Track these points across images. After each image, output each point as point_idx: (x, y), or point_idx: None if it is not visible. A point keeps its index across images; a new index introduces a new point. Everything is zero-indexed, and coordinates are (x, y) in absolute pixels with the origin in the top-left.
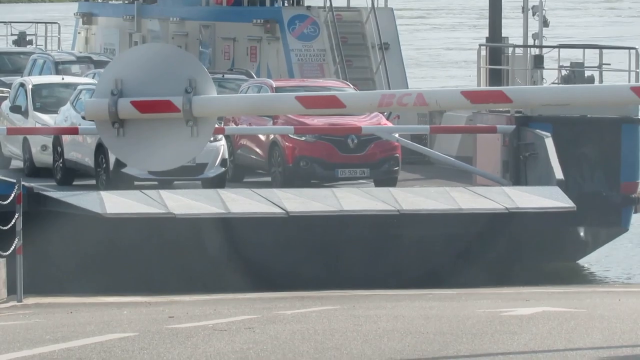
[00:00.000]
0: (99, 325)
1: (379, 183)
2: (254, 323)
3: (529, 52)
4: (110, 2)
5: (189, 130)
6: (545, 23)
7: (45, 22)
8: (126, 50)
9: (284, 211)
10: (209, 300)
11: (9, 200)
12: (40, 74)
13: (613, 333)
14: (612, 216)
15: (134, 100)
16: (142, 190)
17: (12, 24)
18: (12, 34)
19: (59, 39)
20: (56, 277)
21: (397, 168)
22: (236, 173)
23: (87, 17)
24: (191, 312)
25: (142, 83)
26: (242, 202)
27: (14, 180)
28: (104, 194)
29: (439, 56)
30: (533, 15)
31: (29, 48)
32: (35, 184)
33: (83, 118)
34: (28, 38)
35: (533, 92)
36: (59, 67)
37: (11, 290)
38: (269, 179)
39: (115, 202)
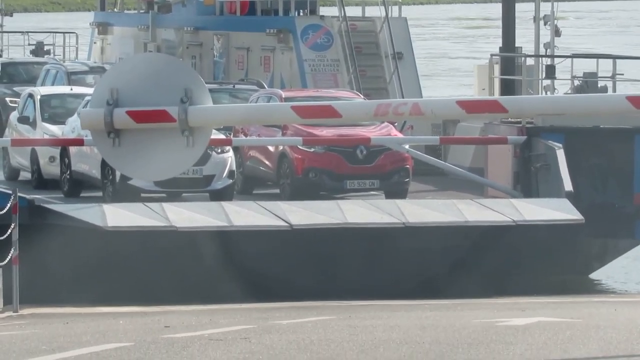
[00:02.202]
0: (95, 336)
1: (389, 195)
2: (250, 333)
3: (540, 62)
4: (125, 12)
5: (184, 140)
6: (557, 32)
7: (63, 32)
8: (122, 60)
9: (287, 224)
10: (205, 310)
11: (4, 211)
12: (53, 84)
13: (609, 343)
14: (625, 228)
15: (129, 110)
16: (145, 203)
17: (30, 33)
18: (29, 44)
19: (76, 48)
20: (53, 288)
21: (407, 179)
22: (245, 185)
23: (103, 27)
24: (187, 321)
25: (137, 93)
26: (245, 214)
27: (10, 191)
28: (106, 206)
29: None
30: (545, 24)
31: (45, 58)
32: (41, 196)
33: None
34: (46, 48)
35: (528, 101)
36: (71, 77)
37: (7, 300)
38: (278, 190)
39: (117, 215)
